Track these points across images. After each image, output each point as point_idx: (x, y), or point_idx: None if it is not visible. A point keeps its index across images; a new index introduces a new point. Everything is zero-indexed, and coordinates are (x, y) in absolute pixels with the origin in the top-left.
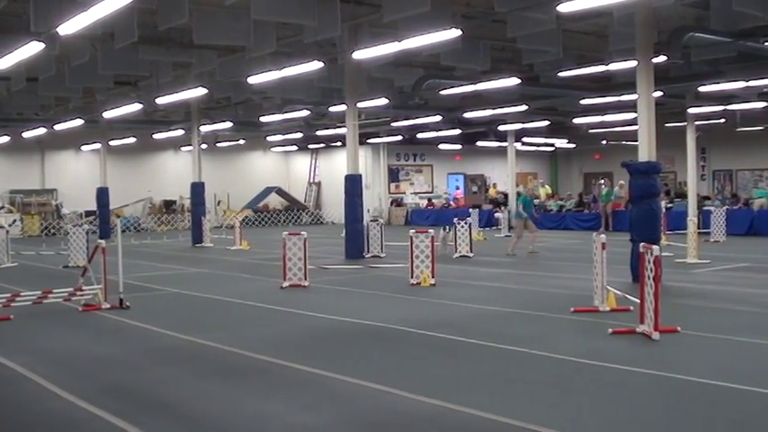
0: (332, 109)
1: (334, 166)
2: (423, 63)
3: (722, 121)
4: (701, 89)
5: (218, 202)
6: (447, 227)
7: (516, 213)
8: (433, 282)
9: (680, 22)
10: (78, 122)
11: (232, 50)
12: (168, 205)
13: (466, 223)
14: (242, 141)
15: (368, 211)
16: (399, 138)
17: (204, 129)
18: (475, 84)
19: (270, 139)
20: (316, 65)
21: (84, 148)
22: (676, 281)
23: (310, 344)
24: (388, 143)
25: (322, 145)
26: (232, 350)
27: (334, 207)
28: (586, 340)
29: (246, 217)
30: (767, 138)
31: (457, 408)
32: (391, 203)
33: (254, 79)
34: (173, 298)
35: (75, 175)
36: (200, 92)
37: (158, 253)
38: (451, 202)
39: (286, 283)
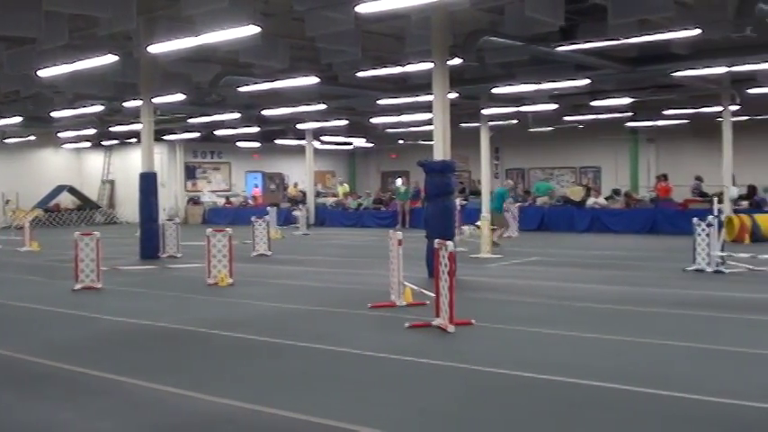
0: (126, 104)
1: (129, 164)
2: (221, 59)
3: (515, 121)
4: (495, 91)
5: (7, 202)
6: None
7: (494, 207)
8: (230, 281)
9: (475, 25)
10: None
11: (21, 42)
12: None
13: (264, 221)
14: (32, 138)
15: (163, 209)
16: (196, 135)
17: None
18: (273, 82)
19: (61, 135)
20: (110, 58)
21: None
22: (470, 275)
23: (104, 348)
24: (184, 140)
25: (116, 142)
26: (21, 357)
27: (129, 206)
28: (384, 335)
29: (37, 217)
30: (557, 138)
31: (257, 408)
32: (188, 202)
33: (44, 72)
34: None
35: None
36: None
37: None
38: (249, 201)
39: (78, 286)
